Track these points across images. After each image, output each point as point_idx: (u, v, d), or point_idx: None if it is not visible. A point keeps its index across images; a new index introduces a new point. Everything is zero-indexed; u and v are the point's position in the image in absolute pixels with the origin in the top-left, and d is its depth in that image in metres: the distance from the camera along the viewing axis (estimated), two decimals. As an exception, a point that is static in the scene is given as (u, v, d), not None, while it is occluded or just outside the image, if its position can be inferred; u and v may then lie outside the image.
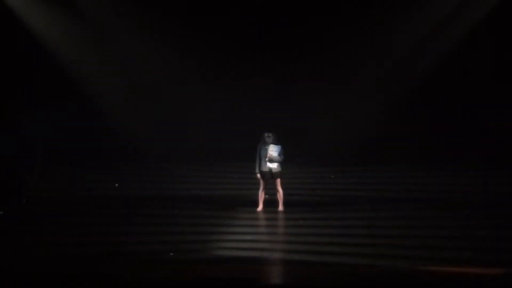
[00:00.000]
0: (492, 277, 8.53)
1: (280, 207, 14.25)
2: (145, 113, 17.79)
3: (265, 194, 14.36)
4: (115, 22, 16.91)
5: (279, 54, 17.29)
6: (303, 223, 13.17)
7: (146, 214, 13.96)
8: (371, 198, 15.21)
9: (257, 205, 14.27)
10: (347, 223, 13.14)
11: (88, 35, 16.78)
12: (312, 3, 16.70)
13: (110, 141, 17.52)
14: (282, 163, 14.19)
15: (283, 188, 14.25)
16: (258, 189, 14.30)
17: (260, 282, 8.73)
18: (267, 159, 14.12)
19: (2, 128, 15.19)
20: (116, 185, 16.64)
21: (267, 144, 14.16)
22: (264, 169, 14.15)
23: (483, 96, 16.83)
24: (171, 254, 11.02)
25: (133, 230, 12.63)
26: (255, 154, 14.25)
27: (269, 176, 14.18)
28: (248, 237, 12.31)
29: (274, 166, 14.15)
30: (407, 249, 11.15)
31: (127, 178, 17.06)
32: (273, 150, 14.11)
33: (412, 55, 17.15)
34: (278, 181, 14.21)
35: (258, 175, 14.22)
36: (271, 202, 14.42)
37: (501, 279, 8.22)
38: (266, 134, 14.20)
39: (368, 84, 17.53)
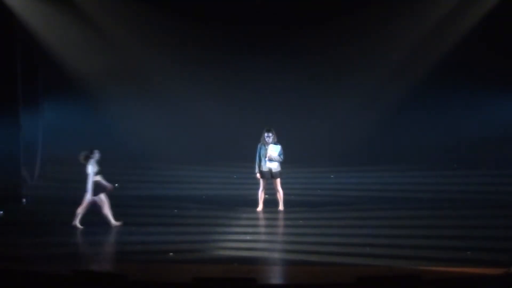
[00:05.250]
0: (492, 277, 8.53)
1: (280, 207, 14.26)
2: (145, 113, 17.79)
3: (265, 194, 14.36)
4: (116, 21, 16.90)
5: (278, 55, 17.30)
6: (303, 223, 13.18)
7: (146, 214, 13.96)
8: (371, 198, 15.22)
9: (257, 205, 14.28)
10: (347, 223, 13.15)
11: (88, 35, 16.77)
12: (311, 6, 16.69)
13: (110, 141, 17.51)
14: (281, 163, 14.20)
15: (283, 188, 14.25)
16: (258, 189, 14.31)
17: (260, 282, 8.72)
18: (267, 159, 14.13)
19: (2, 127, 15.18)
20: (116, 185, 16.63)
21: (267, 144, 14.16)
22: (264, 169, 14.16)
23: (483, 96, 16.84)
24: (171, 254, 11.03)
25: (133, 230, 12.63)
26: (254, 154, 14.26)
27: (269, 176, 14.19)
28: (248, 237, 12.31)
29: (273, 166, 14.15)
30: (407, 249, 11.16)
31: (127, 178, 17.06)
32: (272, 150, 14.12)
33: (411, 56, 17.15)
34: (278, 181, 14.21)
35: (258, 175, 14.23)
36: (271, 202, 14.42)
37: (501, 279, 8.21)
38: (266, 134, 14.20)
39: (368, 85, 17.53)
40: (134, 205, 14.70)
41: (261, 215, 14.06)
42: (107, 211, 12.99)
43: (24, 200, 15.16)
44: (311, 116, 17.78)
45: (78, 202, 14.94)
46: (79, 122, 17.76)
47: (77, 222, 12.86)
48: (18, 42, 15.47)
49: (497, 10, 15.96)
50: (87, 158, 12.98)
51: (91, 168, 12.95)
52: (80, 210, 12.92)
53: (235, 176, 16.98)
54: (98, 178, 13.01)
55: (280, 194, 14.25)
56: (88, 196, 12.90)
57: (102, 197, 13.01)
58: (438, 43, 16.95)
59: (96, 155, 13.05)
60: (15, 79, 15.25)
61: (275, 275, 10.30)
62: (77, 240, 11.94)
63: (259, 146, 14.24)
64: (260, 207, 14.26)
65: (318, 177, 17.08)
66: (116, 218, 13.24)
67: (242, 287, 7.85)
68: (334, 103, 17.64)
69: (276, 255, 11.16)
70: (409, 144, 17.40)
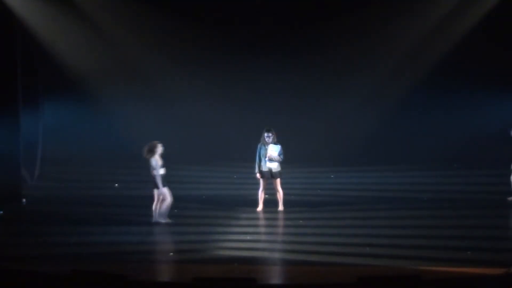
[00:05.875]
0: (492, 277, 8.53)
1: (280, 207, 14.25)
2: (145, 113, 17.80)
3: (265, 194, 14.35)
4: (116, 21, 16.90)
5: (278, 55, 17.30)
6: (303, 223, 13.17)
7: (146, 214, 13.95)
8: (371, 198, 15.21)
9: (257, 205, 14.27)
10: (346, 223, 13.15)
11: (88, 35, 16.77)
12: (311, 6, 16.70)
13: (110, 140, 17.53)
14: (281, 163, 14.20)
15: (283, 188, 14.25)
16: (258, 189, 14.30)
17: (260, 282, 8.72)
18: (267, 159, 14.13)
19: (2, 127, 15.18)
20: (116, 185, 16.65)
21: (267, 144, 14.16)
22: (264, 169, 14.15)
23: (483, 96, 16.85)
24: (171, 254, 11.02)
25: (133, 230, 12.63)
26: (254, 154, 14.25)
27: (269, 176, 14.19)
28: (248, 237, 12.32)
29: (274, 166, 14.15)
30: (407, 249, 11.16)
31: (127, 178, 17.06)
32: (272, 150, 14.12)
33: (411, 56, 17.15)
34: (278, 181, 14.20)
35: (258, 175, 14.23)
36: (271, 202, 14.41)
37: (501, 279, 8.21)
38: (266, 134, 14.20)
39: (368, 85, 17.54)
40: (134, 205, 14.69)
41: (261, 215, 14.05)
42: (158, 206, 13.13)
43: (24, 200, 15.15)
44: (311, 116, 17.77)
45: (78, 202, 14.99)
46: (79, 122, 17.78)
47: (160, 219, 13.07)
48: (18, 42, 15.45)
49: (497, 10, 15.97)
50: (151, 153, 12.98)
51: (155, 162, 13.07)
52: (155, 206, 13.11)
53: (235, 176, 16.97)
54: (162, 171, 13.11)
55: (280, 194, 14.24)
56: (161, 190, 13.06)
57: (166, 191, 13.19)
58: (438, 43, 16.95)
59: (159, 148, 13.11)
60: (15, 79, 15.24)
61: (275, 275, 10.31)
62: (77, 240, 11.92)
63: (259, 146, 14.24)
64: (260, 207, 14.25)
65: (318, 177, 17.08)
66: (116, 218, 13.28)
67: (242, 287, 7.85)
68: (334, 103, 17.64)
69: (276, 255, 11.16)
70: (409, 144, 17.40)
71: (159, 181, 13.04)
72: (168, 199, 13.13)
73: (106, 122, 17.65)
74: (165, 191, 13.12)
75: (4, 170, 15.06)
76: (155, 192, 13.14)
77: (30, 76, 16.21)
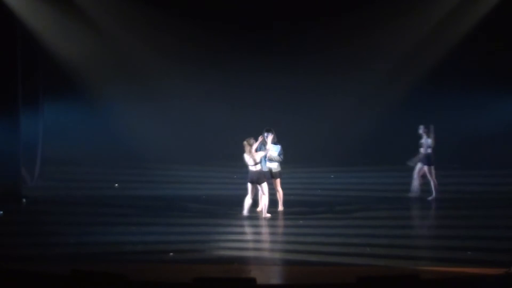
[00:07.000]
0: (492, 277, 8.53)
1: (280, 207, 14.24)
2: (145, 113, 17.81)
3: (265, 194, 14.35)
4: (116, 21, 16.91)
5: (279, 55, 17.31)
6: (303, 223, 13.17)
7: (146, 214, 13.96)
8: (371, 198, 15.21)
9: (257, 205, 14.26)
10: (346, 223, 13.14)
11: (88, 35, 16.78)
12: (311, 6, 16.71)
13: (110, 141, 17.54)
14: (281, 163, 14.19)
15: (282, 188, 14.24)
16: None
17: (260, 282, 8.72)
18: (267, 159, 14.12)
19: (2, 127, 15.18)
20: (116, 185, 16.65)
21: (267, 144, 14.15)
22: (264, 169, 14.14)
23: (484, 96, 16.85)
24: (171, 254, 11.03)
25: (133, 230, 12.63)
26: (255, 154, 14.24)
27: (269, 176, 14.17)
28: (248, 237, 12.31)
29: (273, 166, 14.14)
30: (407, 249, 11.16)
31: (127, 178, 17.06)
32: (272, 150, 14.11)
33: (411, 56, 17.16)
34: (278, 181, 14.19)
35: (258, 175, 14.22)
36: (271, 202, 14.39)
37: (501, 279, 8.21)
38: (265, 134, 14.19)
39: (368, 84, 17.55)
40: (134, 205, 14.69)
41: (261, 215, 14.04)
42: (251, 200, 13.53)
43: (24, 200, 15.16)
44: (311, 116, 17.79)
45: (78, 202, 14.98)
46: (79, 122, 17.79)
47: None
48: (18, 42, 15.45)
49: (497, 10, 15.97)
50: (249, 149, 13.44)
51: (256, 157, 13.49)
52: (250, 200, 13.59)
53: (235, 176, 16.95)
54: (260, 167, 13.49)
55: (280, 194, 14.23)
56: (262, 184, 13.47)
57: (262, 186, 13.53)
58: (438, 43, 16.95)
59: (255, 145, 13.54)
60: (15, 79, 15.24)
61: (275, 275, 10.31)
62: (77, 240, 11.92)
63: (259, 146, 14.23)
64: (260, 207, 14.24)
65: (318, 177, 17.08)
66: (116, 218, 13.26)
67: (242, 287, 7.85)
68: (334, 103, 17.64)
69: (276, 255, 11.16)
70: (409, 144, 17.37)
71: (262, 175, 13.49)
72: (266, 193, 13.52)
73: (106, 122, 17.65)
74: (265, 186, 13.48)
75: (4, 170, 15.06)
76: (249, 186, 13.55)
77: (30, 76, 16.22)
